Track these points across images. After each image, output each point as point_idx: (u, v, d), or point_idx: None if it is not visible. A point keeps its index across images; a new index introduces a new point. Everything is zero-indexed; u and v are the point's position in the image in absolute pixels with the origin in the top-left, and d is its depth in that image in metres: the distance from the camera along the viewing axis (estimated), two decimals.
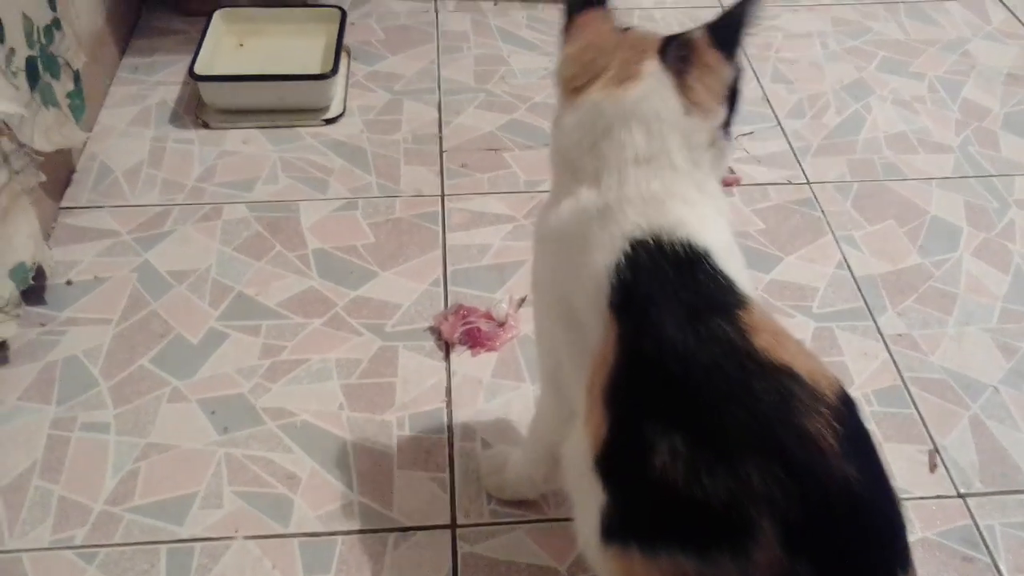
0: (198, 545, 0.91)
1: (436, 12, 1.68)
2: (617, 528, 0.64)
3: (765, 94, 1.50)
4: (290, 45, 1.51)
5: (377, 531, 0.92)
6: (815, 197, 1.32)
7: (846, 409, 0.60)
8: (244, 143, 1.39)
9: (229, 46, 1.50)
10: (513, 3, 1.71)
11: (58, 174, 1.26)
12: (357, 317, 1.13)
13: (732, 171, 1.34)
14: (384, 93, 1.49)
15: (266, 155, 1.36)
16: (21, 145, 1.09)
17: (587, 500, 0.67)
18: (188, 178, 1.32)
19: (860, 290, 1.18)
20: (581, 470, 0.67)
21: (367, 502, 0.94)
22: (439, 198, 1.30)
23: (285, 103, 1.40)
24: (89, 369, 1.06)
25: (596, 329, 0.67)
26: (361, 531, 0.92)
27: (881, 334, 1.13)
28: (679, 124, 0.69)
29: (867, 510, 0.58)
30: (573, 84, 0.72)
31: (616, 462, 0.64)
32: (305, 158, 1.36)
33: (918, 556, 0.86)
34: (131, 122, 1.41)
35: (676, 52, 0.69)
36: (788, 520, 0.57)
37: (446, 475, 0.97)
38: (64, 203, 1.27)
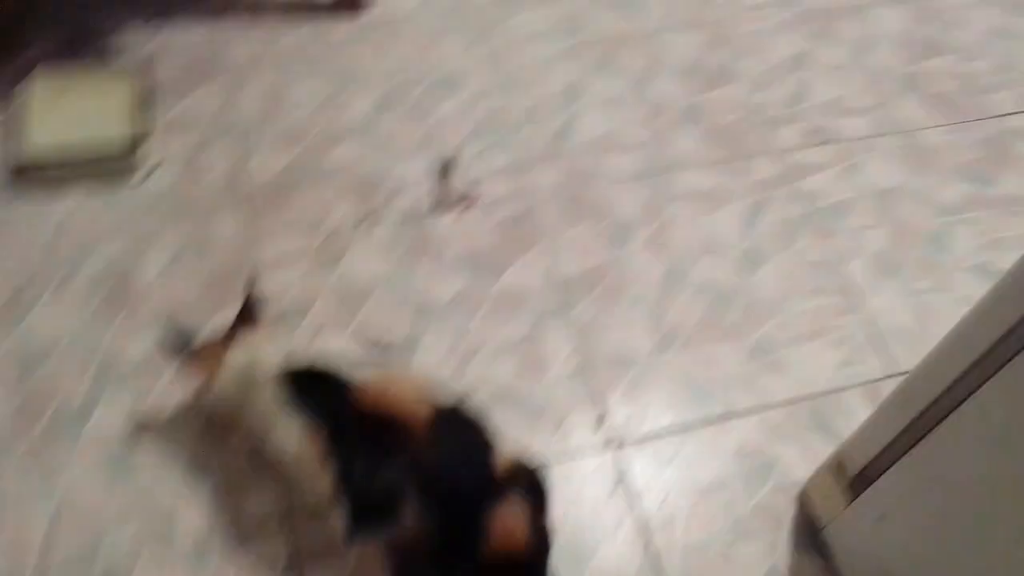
0: None
1: (220, 44, 1.99)
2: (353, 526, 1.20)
3: (499, 105, 1.93)
4: (93, 107, 1.81)
5: None
6: (533, 208, 1.79)
7: (435, 432, 1.18)
8: (71, 214, 1.73)
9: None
10: (286, 26, 2.03)
11: None
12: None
13: (469, 193, 1.79)
14: (187, 140, 1.83)
15: (97, 219, 1.72)
16: None
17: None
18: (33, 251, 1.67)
19: (560, 290, 1.70)
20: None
21: None
22: (248, 245, 1.71)
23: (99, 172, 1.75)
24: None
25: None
26: None
27: (573, 325, 1.66)
28: None
29: (451, 483, 1.17)
30: None
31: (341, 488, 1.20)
32: (130, 219, 1.72)
33: (599, 510, 1.45)
34: None
35: None
36: (413, 500, 1.14)
37: None
38: None
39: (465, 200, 1.77)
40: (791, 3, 2.20)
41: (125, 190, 1.76)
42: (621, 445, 1.53)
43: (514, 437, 1.45)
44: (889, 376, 1.63)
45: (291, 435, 1.25)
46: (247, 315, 1.39)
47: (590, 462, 1.51)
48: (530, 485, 1.26)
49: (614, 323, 1.66)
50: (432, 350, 1.60)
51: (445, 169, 1.81)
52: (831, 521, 1.40)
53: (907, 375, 1.19)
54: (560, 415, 1.55)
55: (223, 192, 1.76)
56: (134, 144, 1.75)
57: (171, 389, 1.52)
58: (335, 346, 1.53)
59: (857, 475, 1.31)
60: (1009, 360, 0.99)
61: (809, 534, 1.45)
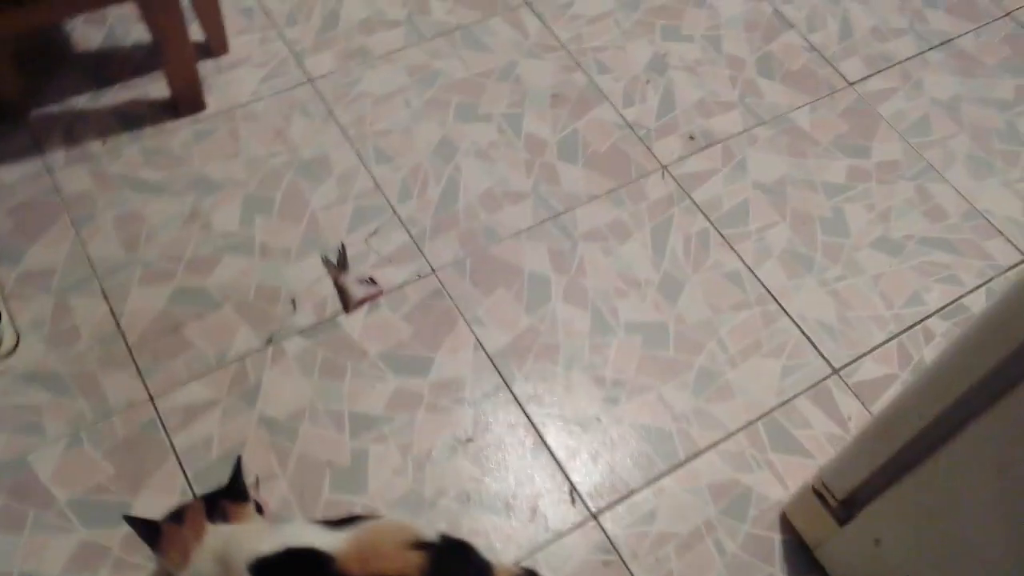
0: None
1: (50, 174, 1.80)
2: None
3: (376, 181, 1.84)
4: None
5: None
6: (442, 285, 1.73)
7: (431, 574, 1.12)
8: None
9: None
10: (120, 137, 1.85)
11: None
12: (135, 554, 1.43)
13: (374, 282, 1.71)
14: (46, 297, 1.65)
15: None
16: None
17: None
18: None
19: (495, 366, 1.65)
20: None
21: None
22: (149, 403, 1.57)
23: None
24: None
25: None
26: None
27: (518, 401, 1.62)
28: None
29: None
30: None
31: None
32: (7, 404, 1.55)
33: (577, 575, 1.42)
34: None
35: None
36: None
37: None
38: None
39: (369, 294, 1.68)
40: (631, 5, 2.19)
41: None
42: (600, 513, 1.51)
43: (494, 532, 1.43)
44: (832, 374, 1.67)
45: None
46: (234, 492, 1.30)
47: (575, 538, 1.48)
48: None
49: (557, 389, 1.63)
50: (383, 463, 1.52)
51: (339, 263, 1.71)
52: (823, 543, 1.43)
53: (887, 406, 1.21)
54: (532, 500, 1.51)
55: (102, 351, 1.60)
56: None
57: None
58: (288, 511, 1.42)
59: (845, 500, 1.34)
60: (999, 395, 1.01)
61: (802, 558, 1.48)
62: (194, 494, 1.47)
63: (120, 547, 1.43)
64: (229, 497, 1.30)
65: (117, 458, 1.51)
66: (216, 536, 1.24)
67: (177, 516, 1.27)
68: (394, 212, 1.81)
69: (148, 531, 1.25)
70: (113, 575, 1.41)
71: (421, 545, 1.16)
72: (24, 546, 1.42)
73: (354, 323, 1.67)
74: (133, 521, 1.26)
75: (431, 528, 1.21)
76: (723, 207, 1.86)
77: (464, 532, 1.47)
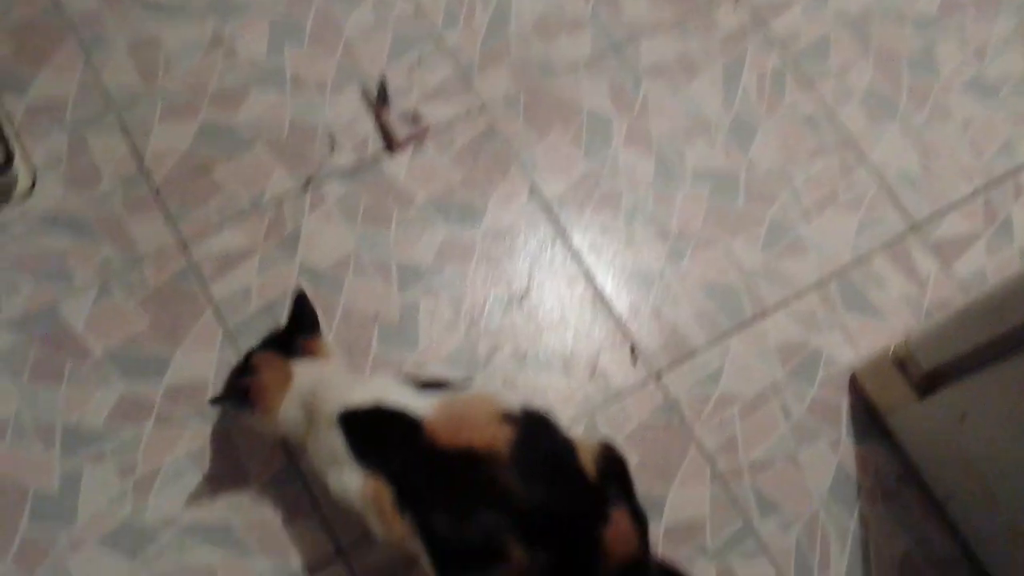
0: None
1: None
2: (441, 571, 1.14)
3: (417, 4, 1.71)
4: None
5: None
6: (493, 124, 1.64)
7: (521, 452, 1.11)
8: None
9: None
10: None
11: None
12: (179, 405, 1.42)
13: (419, 119, 1.62)
14: (60, 132, 1.57)
15: None
16: None
17: (422, 559, 1.16)
18: None
19: (552, 215, 1.59)
20: (415, 547, 1.16)
21: (273, 562, 1.35)
22: (181, 250, 1.51)
23: None
24: None
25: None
26: None
27: (576, 253, 1.57)
28: None
29: (553, 508, 1.11)
30: None
31: (425, 537, 1.12)
32: (31, 248, 1.49)
33: (637, 436, 1.42)
34: None
35: None
36: (517, 532, 1.09)
37: (317, 516, 1.38)
38: None
39: (414, 133, 1.60)
40: None
41: (5, 221, 1.50)
42: (662, 374, 1.49)
43: (552, 391, 1.42)
44: (911, 230, 1.62)
45: (353, 481, 1.16)
46: (301, 322, 1.29)
47: (636, 398, 1.47)
48: (616, 472, 1.23)
49: (618, 241, 1.58)
50: (434, 318, 1.49)
51: (380, 97, 1.62)
52: (896, 412, 1.42)
53: (997, 284, 1.17)
54: (591, 359, 1.49)
55: (126, 193, 1.53)
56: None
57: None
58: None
59: (930, 373, 1.32)
60: None
61: (868, 422, 1.48)
62: (236, 348, 1.44)
63: (163, 400, 1.42)
64: (301, 332, 1.28)
65: (151, 309, 1.47)
66: (303, 376, 1.23)
67: (252, 368, 1.24)
68: (438, 40, 1.69)
69: (238, 397, 1.24)
70: (157, 428, 1.40)
71: (509, 418, 1.15)
72: (65, 398, 1.41)
73: (398, 165, 1.59)
74: (221, 400, 1.26)
75: (514, 399, 1.19)
76: (801, 42, 1.75)
77: (520, 391, 1.46)
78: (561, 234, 1.57)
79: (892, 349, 1.39)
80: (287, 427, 1.24)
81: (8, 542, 1.32)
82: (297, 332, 1.28)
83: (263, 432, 1.33)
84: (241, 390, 1.23)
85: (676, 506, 1.40)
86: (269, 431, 1.29)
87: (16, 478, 1.35)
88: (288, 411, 1.22)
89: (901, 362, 1.37)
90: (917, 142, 1.69)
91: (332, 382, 1.22)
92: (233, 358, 1.42)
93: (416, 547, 1.16)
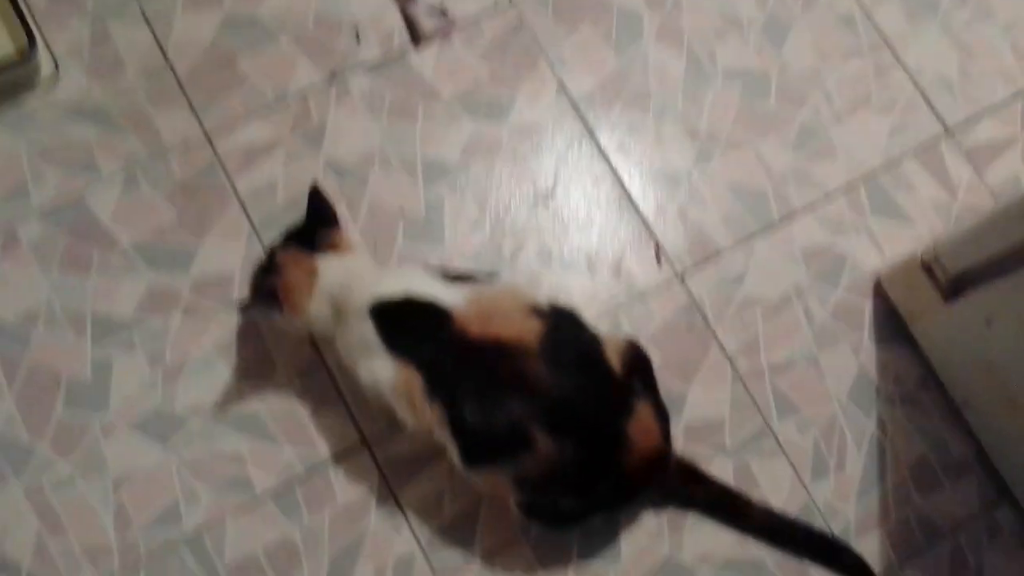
0: (204, 534, 1.35)
1: None
2: (468, 460, 1.18)
3: None
4: None
5: (316, 469, 1.39)
6: (522, 18, 1.61)
7: (549, 345, 1.13)
8: None
9: None
10: None
11: None
12: (206, 298, 1.44)
13: (446, 13, 1.59)
14: (81, 20, 1.54)
15: (15, 152, 1.48)
16: None
17: (449, 448, 1.19)
18: None
19: (580, 112, 1.58)
20: (442, 436, 1.18)
21: (300, 451, 1.39)
22: (207, 143, 1.51)
23: None
24: (18, 438, 1.37)
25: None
26: (307, 473, 1.38)
27: (604, 152, 1.56)
28: None
29: (580, 399, 1.14)
30: None
31: (453, 426, 1.16)
32: (56, 138, 1.49)
33: (660, 335, 1.44)
34: None
35: None
36: (544, 422, 1.11)
37: (342, 406, 1.41)
38: None
39: (441, 27, 1.57)
40: None
41: (30, 111, 1.50)
42: (686, 274, 1.49)
43: (576, 290, 1.44)
44: (945, 134, 1.59)
45: (384, 370, 1.18)
46: (319, 216, 1.29)
47: (660, 298, 1.48)
48: (640, 369, 1.25)
49: (646, 140, 1.56)
50: (460, 214, 1.49)
51: None
52: (920, 317, 1.43)
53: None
54: (615, 258, 1.50)
55: (151, 85, 1.52)
56: (20, 50, 1.47)
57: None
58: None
59: (957, 277, 1.32)
60: None
61: (891, 327, 1.48)
62: (261, 242, 1.45)
63: (190, 292, 1.43)
64: (321, 226, 1.28)
65: (177, 201, 1.47)
66: (329, 271, 1.23)
67: (276, 268, 1.25)
68: None
69: (267, 300, 1.24)
70: (185, 319, 1.42)
71: (538, 312, 1.16)
72: (93, 287, 1.43)
73: (425, 60, 1.57)
74: (250, 305, 1.26)
75: (541, 295, 1.20)
76: None
77: (545, 288, 1.46)
78: (588, 132, 1.56)
79: (920, 253, 1.38)
80: (317, 324, 1.25)
81: (44, 426, 1.36)
82: (316, 226, 1.28)
83: (292, 332, 1.35)
84: (269, 292, 1.23)
85: (696, 404, 1.42)
86: (299, 330, 1.31)
87: (50, 365, 1.38)
88: (317, 308, 1.23)
89: (928, 266, 1.37)
90: (956, 43, 1.65)
91: (360, 274, 1.23)
92: (259, 252, 1.43)
93: (443, 437, 1.19)
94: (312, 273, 1.23)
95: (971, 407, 1.39)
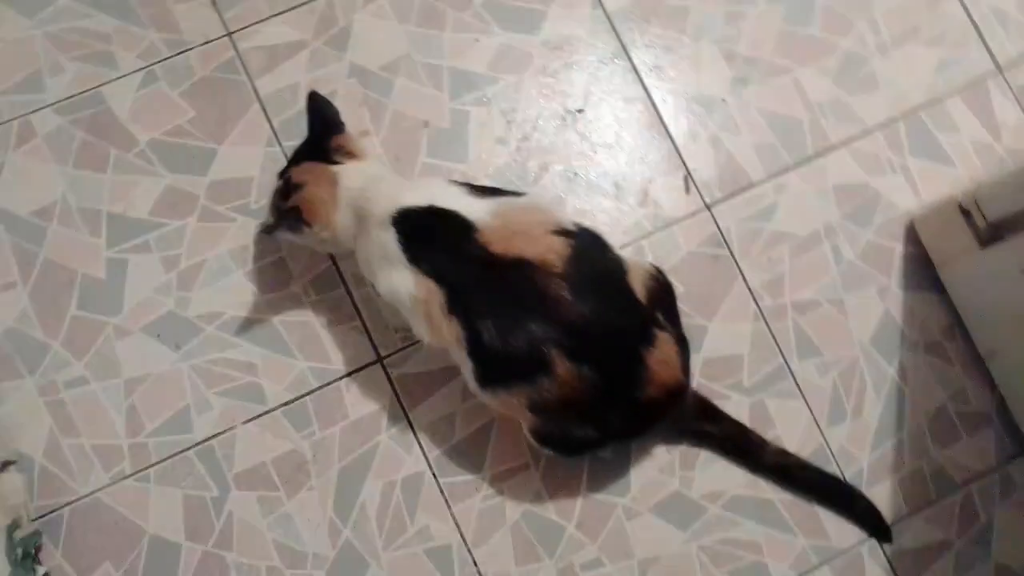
0: (214, 442, 1.35)
1: None
2: (483, 380, 1.17)
3: None
4: None
5: (329, 383, 1.37)
6: None
7: (573, 266, 1.10)
8: None
9: None
10: None
11: None
12: (222, 203, 1.41)
13: None
14: None
15: (31, 36, 1.43)
16: None
17: (464, 368, 1.17)
18: None
19: (615, 28, 1.51)
20: (458, 354, 1.16)
21: (313, 364, 1.38)
22: (228, 39, 1.45)
23: None
24: (32, 335, 1.36)
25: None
26: (319, 387, 1.37)
27: (637, 71, 1.50)
28: None
29: (601, 323, 1.11)
30: None
31: (471, 343, 1.13)
32: (73, 27, 1.43)
33: (684, 267, 1.41)
34: None
35: None
36: (563, 345, 1.09)
37: (358, 321, 1.39)
38: None
39: None
40: None
41: None
42: (714, 205, 1.45)
43: (601, 214, 1.41)
44: (994, 71, 1.52)
45: (404, 282, 1.16)
46: (325, 122, 1.25)
47: (686, 228, 1.44)
48: (663, 298, 1.22)
49: (682, 61, 1.50)
50: (485, 129, 1.45)
51: None
52: (951, 262, 1.39)
53: None
54: (643, 183, 1.45)
55: None
56: None
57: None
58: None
59: (996, 223, 1.27)
60: None
61: (920, 272, 1.45)
62: (280, 145, 1.41)
63: (207, 195, 1.40)
64: (329, 133, 1.24)
65: (196, 100, 1.43)
66: (349, 179, 1.20)
67: (295, 185, 1.21)
68: None
69: (292, 219, 1.20)
70: (202, 222, 1.39)
71: (563, 232, 1.12)
72: (110, 186, 1.40)
73: None
74: (275, 226, 1.22)
75: (565, 215, 1.17)
76: None
77: (569, 211, 1.43)
78: (623, 50, 1.49)
79: (960, 195, 1.33)
80: (342, 235, 1.21)
81: (59, 325, 1.35)
82: (325, 134, 1.24)
83: (318, 248, 1.32)
84: (292, 211, 1.20)
85: (717, 339, 1.40)
86: (324, 245, 1.28)
87: (64, 262, 1.36)
88: (342, 217, 1.20)
89: (965, 210, 1.32)
90: None
91: (382, 183, 1.20)
92: (278, 157, 1.39)
93: (459, 355, 1.16)
94: (332, 182, 1.20)
95: (996, 358, 1.36)
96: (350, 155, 1.23)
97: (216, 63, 1.44)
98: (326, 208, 1.19)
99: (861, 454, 1.38)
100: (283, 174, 1.25)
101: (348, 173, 1.20)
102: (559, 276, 1.10)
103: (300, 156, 1.26)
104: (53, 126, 1.40)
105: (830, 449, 1.38)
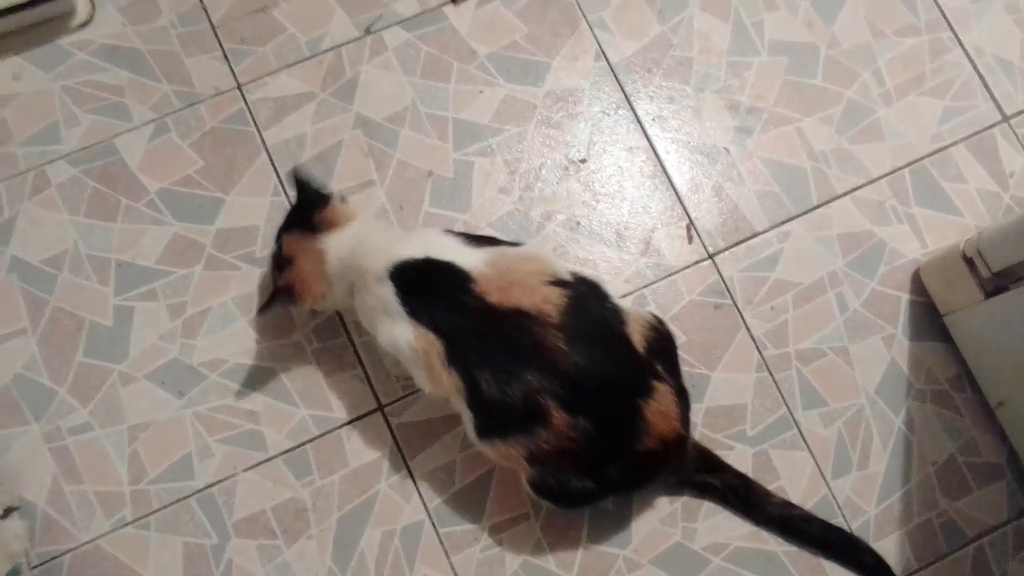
0: (214, 489, 1.33)
1: None
2: (481, 431, 1.15)
3: None
4: None
5: (330, 431, 1.35)
6: None
7: (570, 317, 1.09)
8: (15, 79, 1.45)
9: None
10: None
11: None
12: (228, 251, 1.40)
13: None
14: None
15: (49, 90, 1.44)
16: None
17: (464, 417, 1.15)
18: None
19: (618, 79, 1.50)
20: (458, 404, 1.14)
21: (314, 412, 1.36)
22: (237, 92, 1.46)
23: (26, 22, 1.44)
24: (40, 381, 1.35)
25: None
26: (320, 435, 1.35)
27: (640, 121, 1.49)
28: None
29: (598, 375, 1.09)
30: None
31: (469, 394, 1.11)
32: (89, 81, 1.45)
33: (685, 316, 1.38)
34: None
35: None
36: (559, 396, 1.07)
37: (359, 370, 1.37)
38: None
39: None
40: None
41: (63, 50, 1.46)
42: (717, 254, 1.42)
43: (603, 263, 1.39)
44: (1001, 121, 1.50)
45: (403, 334, 1.14)
46: (309, 198, 1.25)
47: (688, 277, 1.42)
48: (663, 347, 1.19)
49: (685, 112, 1.48)
50: (489, 179, 1.44)
51: None
52: (957, 311, 1.35)
53: None
54: (645, 233, 1.43)
55: (185, 29, 1.47)
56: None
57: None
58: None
59: (1000, 273, 1.24)
60: None
61: (926, 320, 1.41)
62: (286, 195, 1.41)
63: (213, 244, 1.40)
64: (313, 209, 1.23)
65: (206, 150, 1.43)
66: (336, 249, 1.20)
67: (285, 261, 1.22)
68: None
69: (285, 296, 1.22)
70: (208, 270, 1.38)
71: (559, 282, 1.11)
72: (119, 234, 1.40)
73: (462, 17, 1.50)
74: (268, 307, 1.23)
75: (564, 265, 1.16)
76: None
77: (571, 260, 1.41)
78: (626, 100, 1.49)
79: (962, 244, 1.30)
80: (339, 303, 1.23)
81: (65, 371, 1.34)
82: (309, 210, 1.24)
83: (319, 311, 1.33)
84: (285, 291, 1.21)
85: (719, 389, 1.37)
86: (325, 310, 1.29)
87: (73, 309, 1.36)
88: (332, 287, 1.21)
89: (969, 259, 1.29)
90: (1021, 24, 1.53)
91: (372, 240, 1.19)
92: (284, 206, 1.39)
93: (459, 405, 1.14)
94: (320, 258, 1.20)
95: (1006, 409, 1.32)
96: (336, 225, 1.22)
97: (226, 114, 1.44)
98: (318, 284, 1.21)
99: (868, 506, 1.33)
100: (278, 238, 1.26)
101: (336, 243, 1.20)
102: (555, 327, 1.08)
103: (292, 219, 1.26)
104: (67, 176, 1.41)
105: (836, 500, 1.33)
